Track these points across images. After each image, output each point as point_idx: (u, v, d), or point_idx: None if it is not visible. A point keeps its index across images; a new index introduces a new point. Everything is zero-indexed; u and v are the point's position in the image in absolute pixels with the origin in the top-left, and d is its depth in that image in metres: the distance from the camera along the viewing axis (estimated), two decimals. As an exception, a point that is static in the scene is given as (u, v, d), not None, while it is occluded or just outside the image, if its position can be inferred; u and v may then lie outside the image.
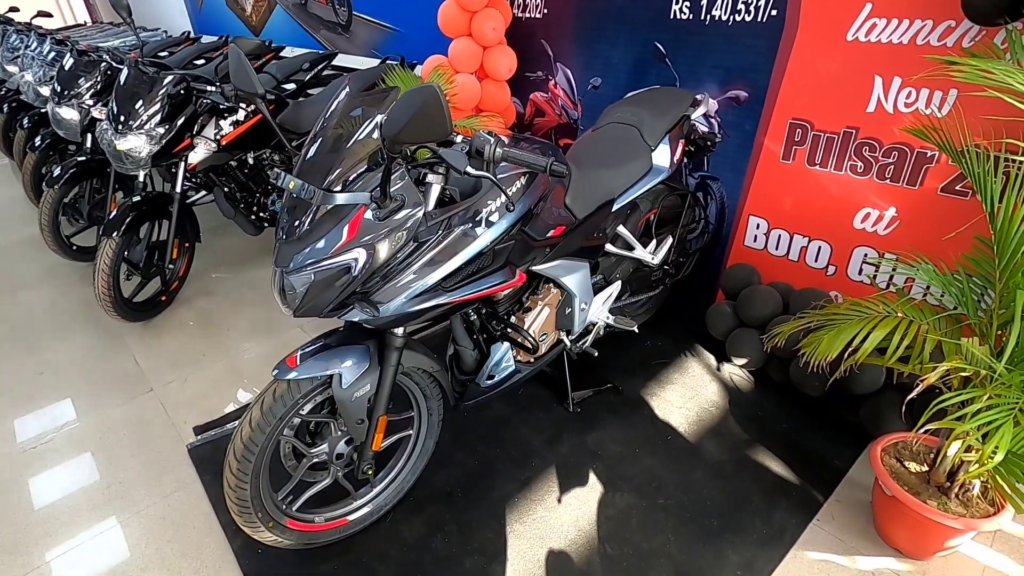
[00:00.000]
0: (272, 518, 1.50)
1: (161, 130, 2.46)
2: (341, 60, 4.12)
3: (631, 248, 2.09)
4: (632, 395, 2.25)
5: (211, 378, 2.41)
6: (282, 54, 4.19)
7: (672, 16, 2.40)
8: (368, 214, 1.22)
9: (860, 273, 2.18)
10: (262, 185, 3.09)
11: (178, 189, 2.64)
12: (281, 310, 1.30)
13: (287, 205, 1.29)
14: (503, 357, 1.79)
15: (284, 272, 1.24)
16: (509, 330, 1.77)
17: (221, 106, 2.70)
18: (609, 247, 2.01)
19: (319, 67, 3.80)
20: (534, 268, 1.71)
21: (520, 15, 3.01)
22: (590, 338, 2.08)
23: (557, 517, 1.75)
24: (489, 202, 1.40)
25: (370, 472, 1.56)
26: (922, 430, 1.24)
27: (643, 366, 2.41)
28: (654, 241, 2.22)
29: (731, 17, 2.22)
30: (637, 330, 2.06)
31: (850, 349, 1.45)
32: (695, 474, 1.90)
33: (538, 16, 2.95)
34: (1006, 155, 1.26)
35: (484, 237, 1.39)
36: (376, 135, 1.23)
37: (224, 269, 3.34)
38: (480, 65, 2.89)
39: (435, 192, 1.34)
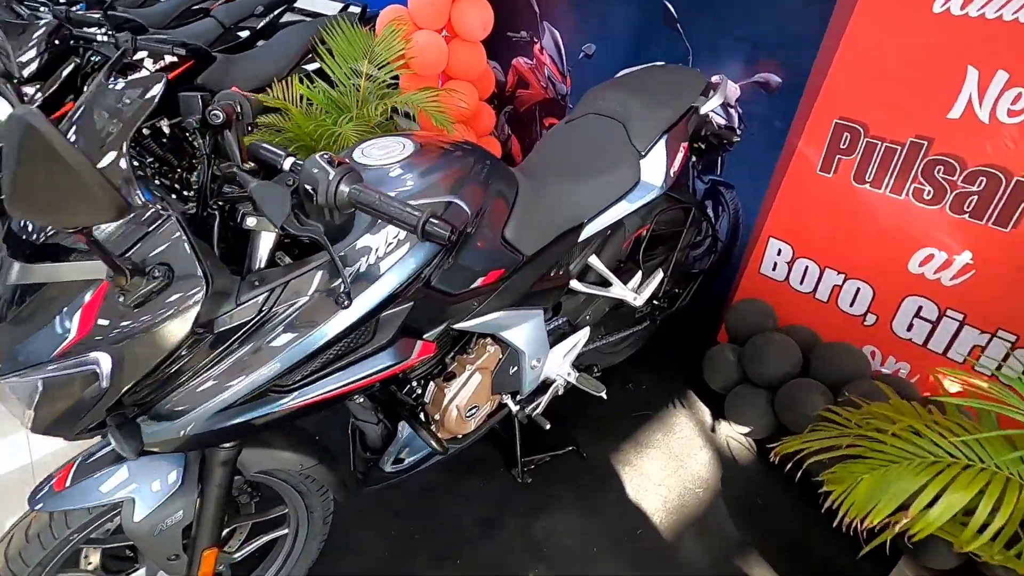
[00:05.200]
0: None
1: (29, 90, 1.96)
2: (304, 2, 3.50)
3: (607, 284, 1.58)
4: (599, 461, 1.79)
5: None
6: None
7: (690, -35, 1.80)
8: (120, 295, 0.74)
9: (909, 330, 1.66)
10: (185, 158, 2.58)
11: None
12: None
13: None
14: (413, 438, 1.33)
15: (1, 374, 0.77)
16: (419, 408, 1.30)
17: (125, 60, 2.18)
18: (575, 284, 1.51)
19: (276, 11, 3.22)
20: (457, 327, 1.22)
21: (502, -43, 2.39)
22: (544, 400, 1.59)
23: (476, 650, 1.33)
24: (369, 244, 0.91)
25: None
26: None
27: (618, 418, 1.93)
28: (640, 272, 1.68)
29: (769, -30, 1.62)
30: (605, 396, 1.57)
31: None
32: (666, 592, 1.46)
33: (524, -41, 2.34)
34: None
35: (348, 313, 0.90)
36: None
37: None
38: (448, 20, 2.31)
39: (265, 243, 0.85)
